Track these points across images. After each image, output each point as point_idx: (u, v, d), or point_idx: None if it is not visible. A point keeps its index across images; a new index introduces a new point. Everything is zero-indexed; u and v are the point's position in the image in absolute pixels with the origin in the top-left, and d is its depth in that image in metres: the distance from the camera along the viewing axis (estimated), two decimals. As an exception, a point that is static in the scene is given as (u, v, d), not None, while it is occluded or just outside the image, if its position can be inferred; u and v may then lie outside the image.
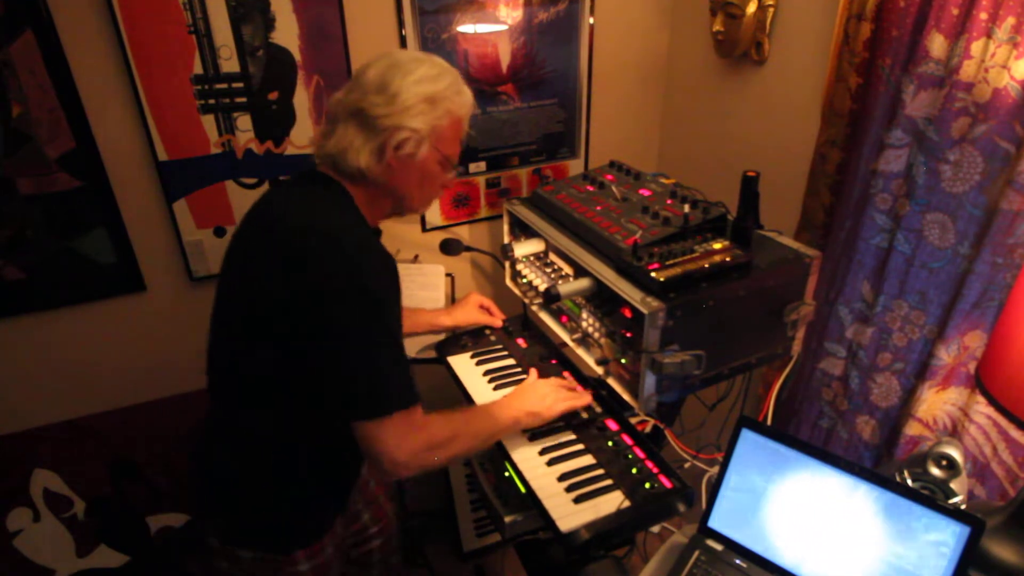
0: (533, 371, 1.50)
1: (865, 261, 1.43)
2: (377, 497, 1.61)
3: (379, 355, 1.07)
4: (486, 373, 1.57)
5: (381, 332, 1.07)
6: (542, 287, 1.51)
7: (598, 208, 1.41)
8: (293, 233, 1.07)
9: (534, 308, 1.58)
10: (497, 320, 1.74)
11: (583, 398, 1.41)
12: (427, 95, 1.12)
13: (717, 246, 1.23)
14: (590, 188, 1.51)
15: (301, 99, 1.68)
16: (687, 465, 1.37)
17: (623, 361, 1.25)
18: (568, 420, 1.42)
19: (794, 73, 1.62)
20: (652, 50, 2.05)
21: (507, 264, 1.68)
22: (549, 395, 1.36)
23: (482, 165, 1.98)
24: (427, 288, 1.89)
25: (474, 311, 1.72)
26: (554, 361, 1.62)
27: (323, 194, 1.15)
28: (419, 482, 2.25)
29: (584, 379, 1.54)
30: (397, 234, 1.97)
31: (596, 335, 1.33)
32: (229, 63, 1.58)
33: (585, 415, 1.43)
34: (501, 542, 2.26)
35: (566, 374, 1.51)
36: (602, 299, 1.28)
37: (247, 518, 1.24)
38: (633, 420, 1.41)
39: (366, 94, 1.11)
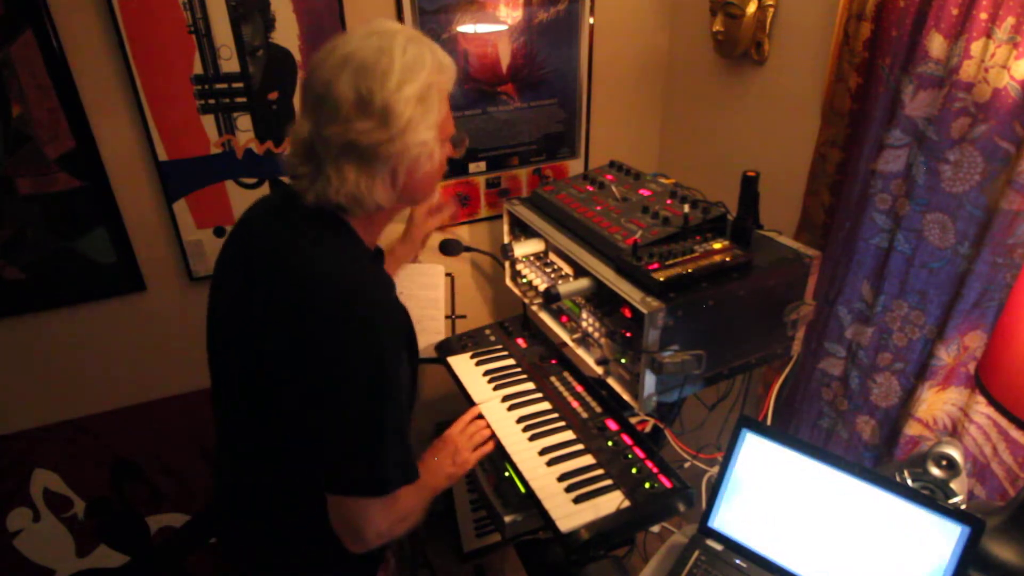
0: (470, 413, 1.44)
1: (865, 261, 1.43)
2: None
3: (384, 430, 0.96)
4: (486, 373, 1.57)
5: (389, 405, 0.96)
6: (542, 287, 1.51)
7: (598, 208, 1.41)
8: (305, 284, 0.95)
9: (534, 308, 1.58)
10: (448, 211, 1.62)
11: (491, 441, 1.38)
12: (417, 95, 0.93)
13: (717, 246, 1.23)
14: (590, 188, 1.51)
15: (301, 99, 1.68)
16: (687, 465, 1.37)
17: (623, 361, 1.25)
18: (568, 420, 1.42)
19: (794, 73, 1.62)
20: (652, 50, 2.05)
21: (507, 264, 1.68)
22: (462, 451, 1.31)
23: (482, 165, 1.98)
24: (427, 288, 1.88)
25: (421, 220, 1.59)
26: (554, 361, 1.62)
27: (327, 234, 1.00)
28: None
29: (583, 379, 1.54)
30: (397, 234, 1.97)
31: (596, 335, 1.33)
32: (229, 63, 1.58)
33: (585, 415, 1.44)
34: (501, 542, 2.26)
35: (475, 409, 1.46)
36: (602, 299, 1.28)
37: (295, 563, 1.15)
38: (633, 420, 1.41)
39: (348, 122, 0.91)
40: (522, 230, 1.57)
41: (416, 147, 0.96)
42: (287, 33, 1.60)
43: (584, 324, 1.37)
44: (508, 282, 1.70)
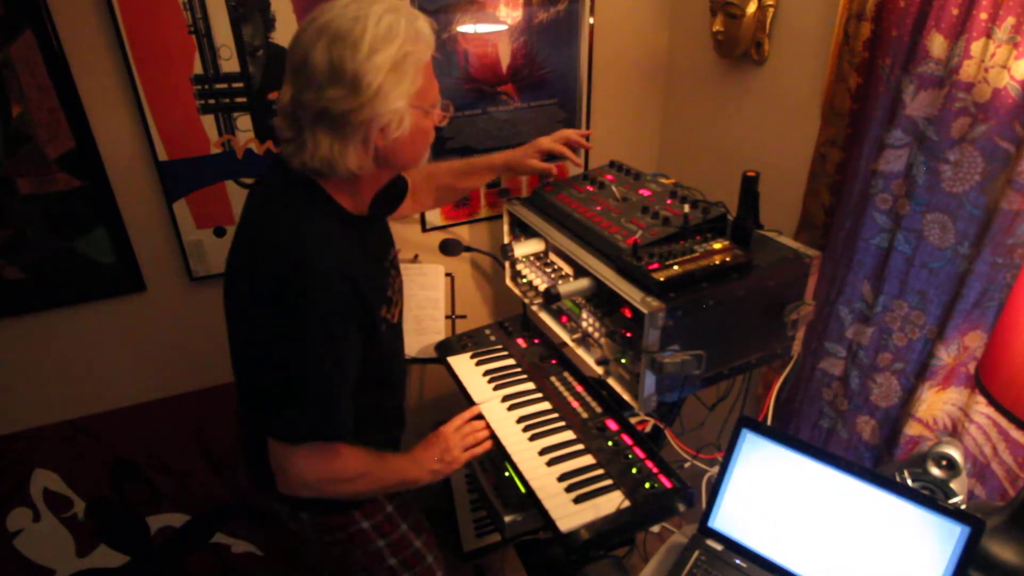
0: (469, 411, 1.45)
1: (865, 261, 1.43)
2: None
3: (297, 385, 1.04)
4: (486, 373, 1.57)
5: (321, 358, 1.04)
6: (542, 287, 1.51)
7: (598, 208, 1.41)
8: (263, 246, 1.05)
9: (534, 308, 1.58)
10: (572, 159, 1.53)
11: (486, 442, 1.38)
12: (389, 64, 0.95)
13: (717, 246, 1.23)
14: (590, 188, 1.51)
15: (301, 99, 1.68)
16: (687, 465, 1.37)
17: (623, 361, 1.25)
18: (568, 420, 1.42)
19: (794, 73, 1.62)
20: (652, 50, 2.05)
21: (507, 264, 1.68)
22: (452, 449, 1.32)
23: (482, 165, 1.97)
24: (427, 288, 1.89)
25: (532, 157, 1.52)
26: (554, 361, 1.62)
27: (300, 200, 1.07)
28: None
29: (583, 379, 1.54)
30: (397, 234, 1.96)
31: (596, 335, 1.33)
32: (229, 63, 1.58)
33: (585, 415, 1.44)
34: (501, 542, 2.26)
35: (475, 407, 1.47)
36: (602, 299, 1.28)
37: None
38: (633, 420, 1.41)
39: (321, 89, 0.96)
40: (522, 230, 1.57)
41: (387, 115, 0.99)
42: (287, 33, 1.60)
43: (584, 324, 1.37)
44: (508, 282, 1.70)
